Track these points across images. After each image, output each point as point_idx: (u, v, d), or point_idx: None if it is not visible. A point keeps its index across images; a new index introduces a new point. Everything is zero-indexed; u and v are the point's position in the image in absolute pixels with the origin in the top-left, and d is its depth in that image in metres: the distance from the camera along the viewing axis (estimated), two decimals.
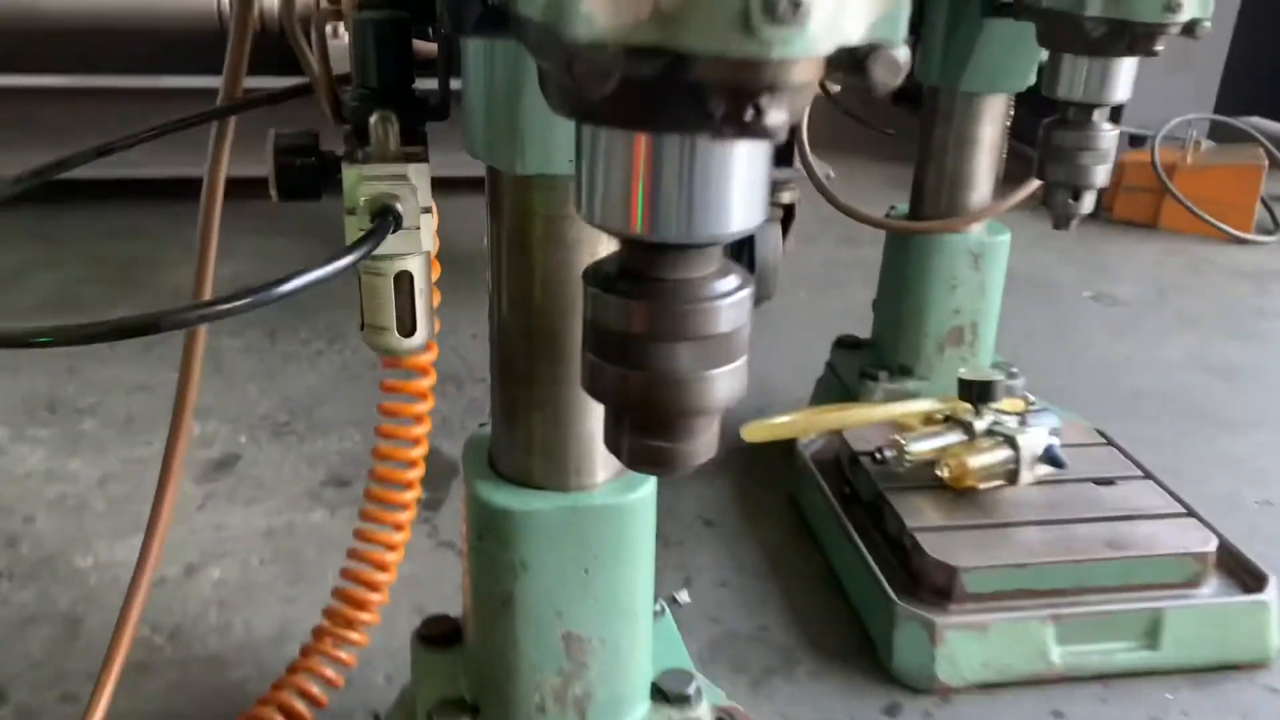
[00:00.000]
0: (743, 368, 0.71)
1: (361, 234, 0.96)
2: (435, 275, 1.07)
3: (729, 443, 2.24)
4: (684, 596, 1.74)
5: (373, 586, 1.31)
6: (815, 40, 0.51)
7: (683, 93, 0.55)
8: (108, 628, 1.60)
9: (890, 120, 2.30)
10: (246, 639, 1.62)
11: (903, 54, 0.55)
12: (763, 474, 2.11)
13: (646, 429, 0.71)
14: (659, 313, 0.67)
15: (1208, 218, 3.59)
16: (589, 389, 0.73)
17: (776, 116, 0.53)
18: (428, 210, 1.02)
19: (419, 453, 1.21)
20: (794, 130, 2.28)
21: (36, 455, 2.09)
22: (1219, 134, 4.08)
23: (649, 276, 0.68)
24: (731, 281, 0.69)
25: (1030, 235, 3.61)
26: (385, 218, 0.96)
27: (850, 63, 0.55)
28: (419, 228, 1.01)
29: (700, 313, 0.67)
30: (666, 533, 1.90)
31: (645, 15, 0.51)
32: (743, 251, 2.90)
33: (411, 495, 1.23)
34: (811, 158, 2.19)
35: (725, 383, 0.69)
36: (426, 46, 1.17)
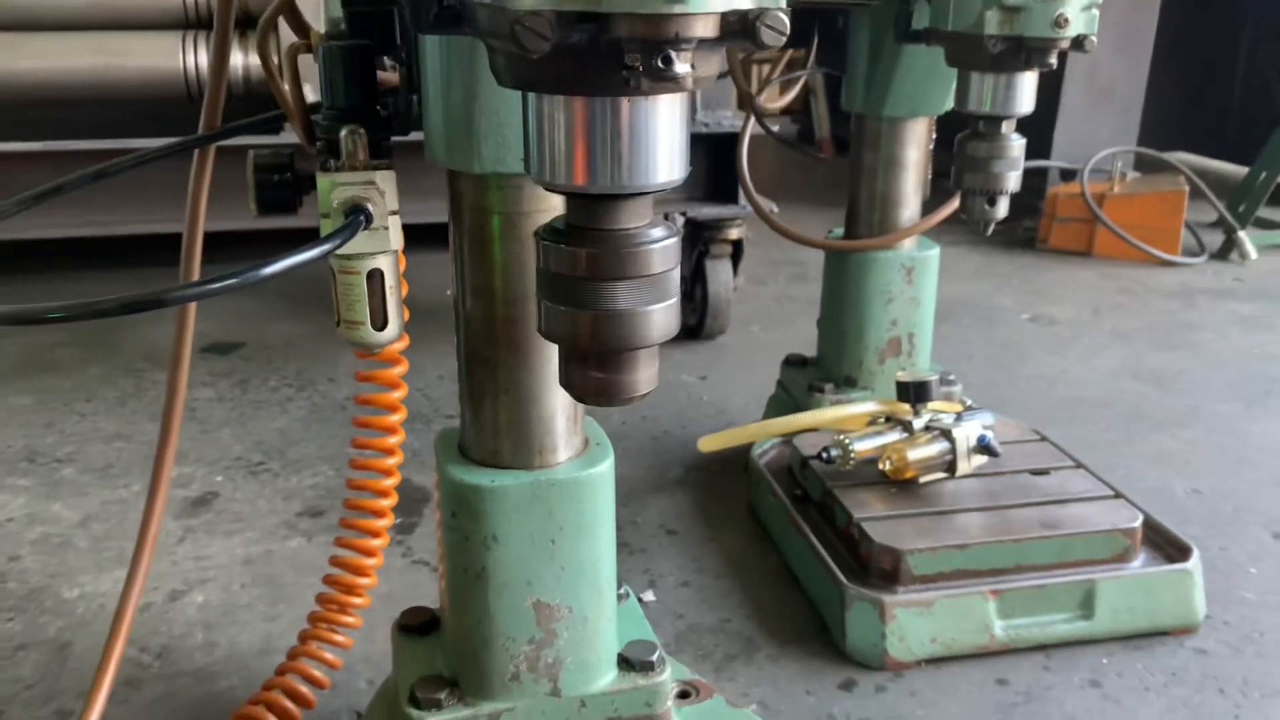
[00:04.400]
0: (676, 305, 0.82)
1: (334, 230, 1.06)
2: (401, 268, 1.18)
3: (688, 459, 2.36)
4: (649, 596, 1.83)
5: (366, 555, 1.39)
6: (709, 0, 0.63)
7: (606, 53, 0.67)
8: (98, 650, 1.67)
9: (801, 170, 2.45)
10: (231, 654, 1.69)
11: (785, 19, 0.68)
12: (721, 486, 2.21)
13: (595, 363, 0.82)
14: (600, 257, 0.79)
15: (1138, 243, 3.78)
16: (544, 332, 0.84)
17: (682, 66, 0.65)
18: (395, 213, 1.14)
19: (395, 441, 1.30)
20: (737, 170, 2.42)
21: (18, 501, 2.16)
22: (1143, 167, 4.29)
23: (591, 228, 0.79)
24: (661, 231, 0.81)
25: (970, 267, 3.78)
26: (357, 214, 1.07)
27: (742, 26, 0.68)
28: (388, 228, 1.12)
29: (635, 255, 0.79)
30: (630, 541, 1.99)
31: None
32: (695, 286, 3.04)
33: (391, 482, 1.32)
34: (755, 194, 2.32)
35: (660, 317, 0.81)
36: (387, 76, 1.29)
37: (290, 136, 2.43)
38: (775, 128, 2.57)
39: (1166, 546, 1.81)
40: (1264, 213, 4.11)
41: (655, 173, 0.76)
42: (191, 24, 2.87)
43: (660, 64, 0.65)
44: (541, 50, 0.65)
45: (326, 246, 1.01)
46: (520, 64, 0.71)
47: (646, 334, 0.81)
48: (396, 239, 1.14)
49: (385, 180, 1.12)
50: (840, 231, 2.21)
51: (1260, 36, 5.13)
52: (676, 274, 0.82)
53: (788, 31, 0.68)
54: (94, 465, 2.31)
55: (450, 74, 1.04)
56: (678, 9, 0.62)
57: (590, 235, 0.79)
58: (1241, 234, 3.94)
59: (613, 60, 0.68)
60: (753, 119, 2.26)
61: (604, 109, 0.73)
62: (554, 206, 1.12)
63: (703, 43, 0.67)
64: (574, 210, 0.80)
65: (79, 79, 2.79)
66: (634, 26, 0.64)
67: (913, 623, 1.65)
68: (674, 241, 0.81)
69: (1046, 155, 4.15)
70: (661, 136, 0.75)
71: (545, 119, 0.75)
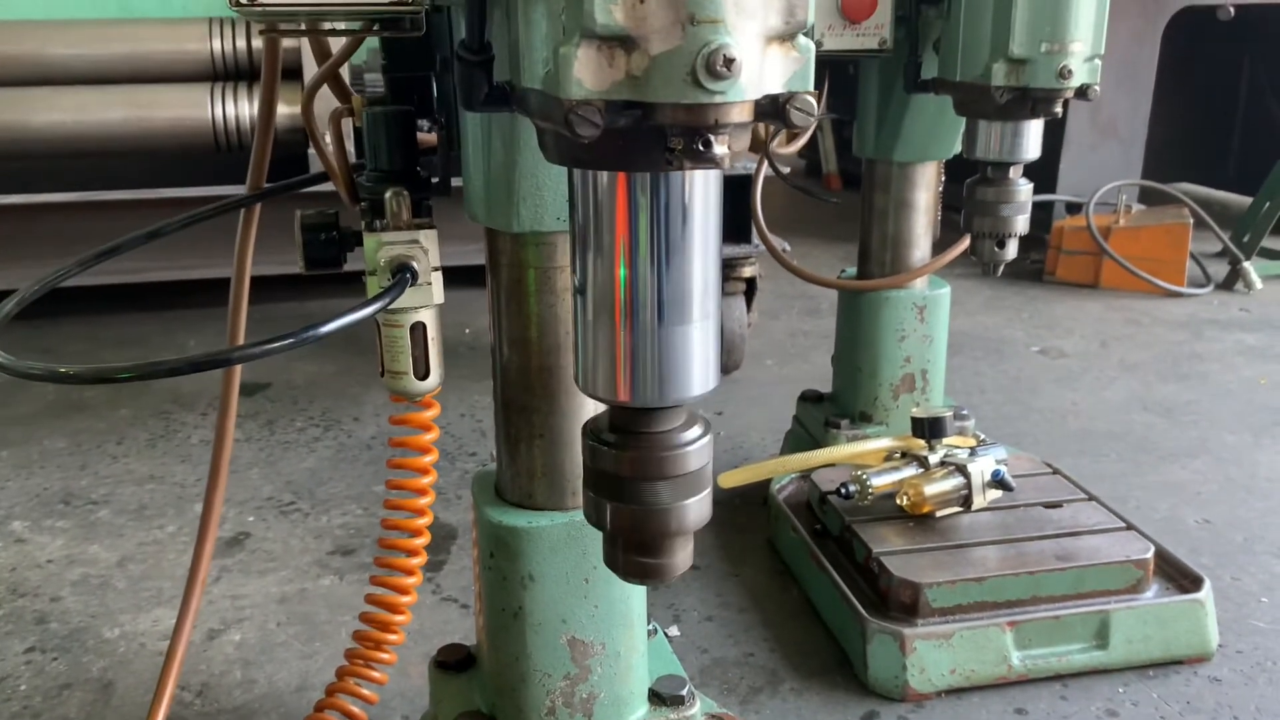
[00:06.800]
0: (709, 495, 0.90)
1: (383, 289, 1.13)
2: None
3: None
4: (674, 630, 1.88)
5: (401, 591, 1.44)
6: (745, 89, 0.70)
7: (650, 135, 0.73)
8: (140, 689, 1.74)
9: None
10: (270, 691, 1.74)
11: (813, 101, 0.74)
12: (741, 521, 2.26)
13: (637, 549, 0.89)
14: (641, 460, 0.86)
15: (1144, 274, 3.83)
16: (592, 521, 0.91)
17: (720, 149, 0.71)
18: (437, 269, 1.20)
19: (428, 481, 1.36)
20: (751, 210, 2.49)
21: (56, 543, 2.22)
22: (1148, 199, 4.35)
23: (633, 431, 0.86)
24: (696, 430, 0.88)
25: (979, 300, 3.84)
26: (403, 273, 1.13)
27: (773, 109, 0.74)
28: (431, 283, 1.19)
29: (674, 458, 0.86)
30: None
31: (621, 77, 0.70)
32: None
33: (424, 522, 1.38)
34: (768, 234, 2.39)
35: (696, 509, 0.89)
36: (425, 137, 1.36)
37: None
38: (786, 169, 2.64)
39: (1179, 577, 1.85)
40: (1268, 243, 4.17)
41: (691, 386, 0.84)
42: (219, 76, 2.96)
43: (700, 147, 0.71)
44: (593, 136, 0.71)
45: (378, 305, 1.08)
46: (569, 144, 0.77)
47: (683, 525, 0.88)
48: (439, 293, 1.21)
49: (428, 239, 1.19)
50: (853, 271, 2.27)
51: (1261, 68, 5.20)
52: (710, 467, 0.89)
53: (816, 113, 0.74)
54: (128, 507, 2.37)
55: (491, 141, 1.10)
56: (718, 99, 0.69)
57: (632, 440, 0.86)
58: (1246, 264, 3.99)
59: (655, 141, 0.74)
60: (765, 163, 2.33)
61: (646, 335, 0.82)
62: None
63: (738, 125, 0.73)
64: (618, 414, 0.87)
65: (112, 130, 2.88)
66: (677, 114, 0.70)
67: (932, 654, 1.69)
68: (708, 440, 0.88)
69: (1052, 189, 4.21)
70: (697, 355, 0.83)
71: (593, 339, 0.84)
